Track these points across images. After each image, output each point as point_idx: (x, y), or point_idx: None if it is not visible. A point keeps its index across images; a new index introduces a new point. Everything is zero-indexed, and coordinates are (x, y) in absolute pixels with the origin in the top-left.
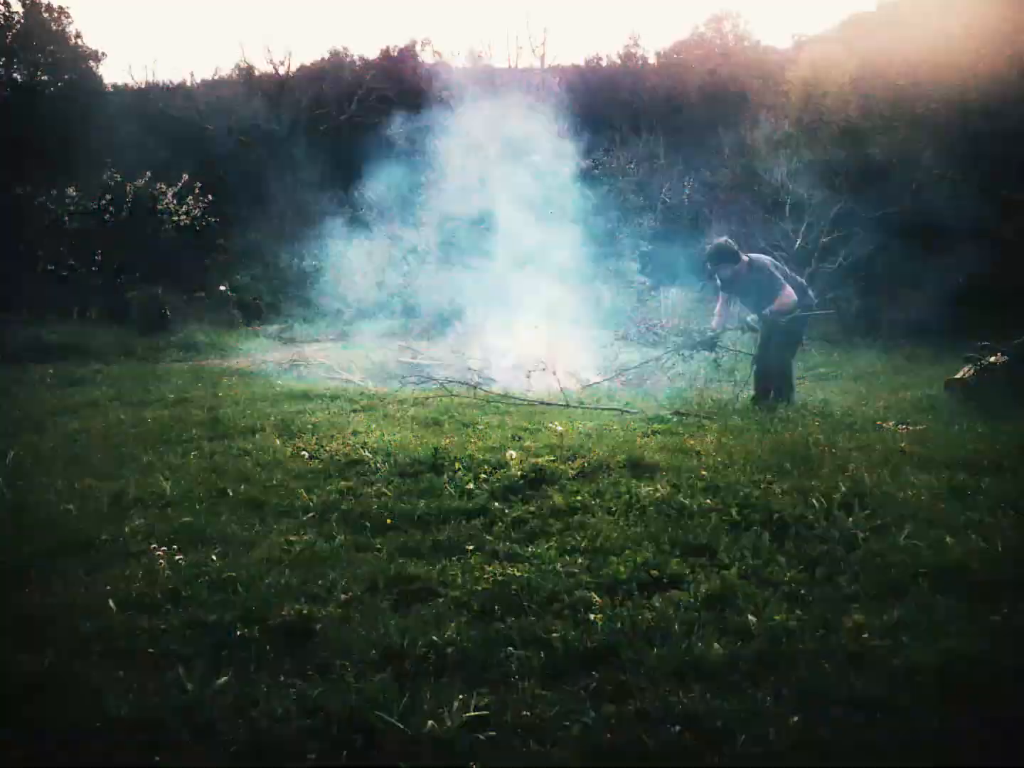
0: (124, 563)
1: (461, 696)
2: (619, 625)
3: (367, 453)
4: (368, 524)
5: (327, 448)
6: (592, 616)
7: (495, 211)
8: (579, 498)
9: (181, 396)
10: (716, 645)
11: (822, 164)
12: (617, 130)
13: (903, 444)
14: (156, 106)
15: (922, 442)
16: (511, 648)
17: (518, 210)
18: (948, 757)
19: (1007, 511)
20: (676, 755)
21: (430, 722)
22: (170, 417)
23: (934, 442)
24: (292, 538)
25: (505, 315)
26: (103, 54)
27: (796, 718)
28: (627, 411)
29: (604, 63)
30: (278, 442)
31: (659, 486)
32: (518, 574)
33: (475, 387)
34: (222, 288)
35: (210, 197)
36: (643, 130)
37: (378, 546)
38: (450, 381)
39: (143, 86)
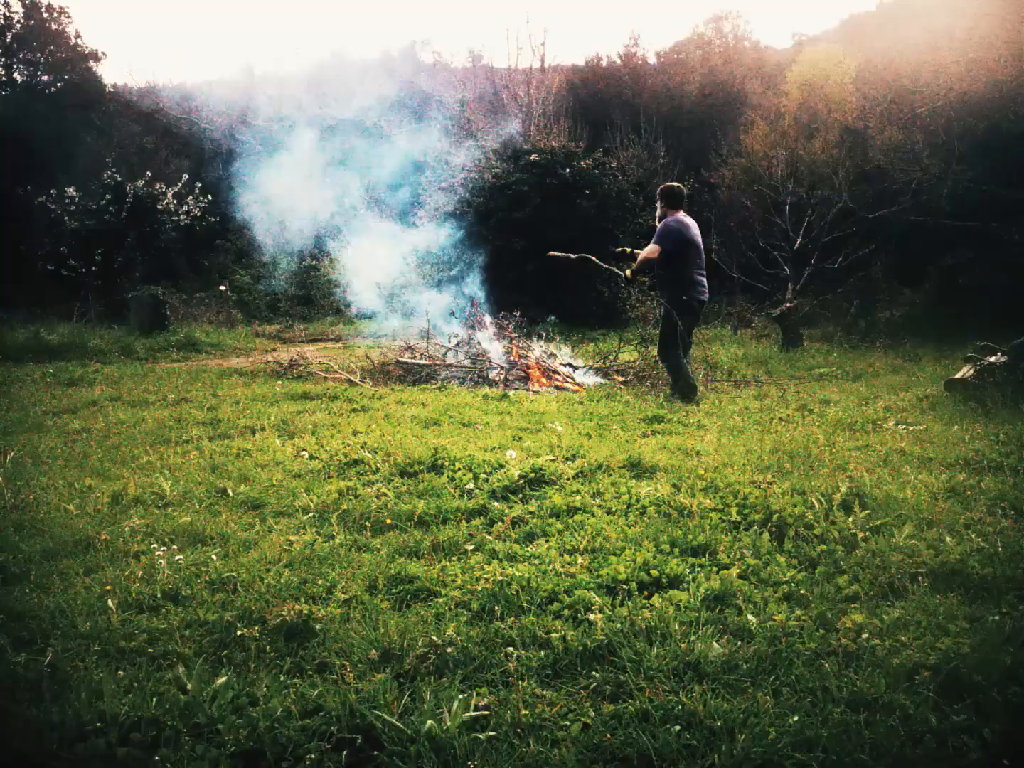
0: (124, 563)
1: (461, 696)
2: (619, 625)
3: (367, 453)
4: (368, 524)
5: (327, 448)
6: (592, 616)
7: None
8: (579, 498)
9: (181, 396)
10: (716, 645)
11: (822, 164)
12: (617, 130)
13: (903, 444)
14: (156, 106)
15: (922, 442)
16: (511, 648)
17: None
18: (948, 757)
19: (1006, 511)
20: (676, 755)
21: (430, 722)
22: (170, 417)
23: (934, 442)
24: (292, 538)
25: None
26: (103, 54)
27: (796, 718)
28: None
29: (604, 63)
30: (278, 442)
31: (659, 486)
32: (518, 574)
33: None
34: (222, 288)
35: (210, 197)
36: (643, 130)
37: (378, 546)
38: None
39: (143, 86)
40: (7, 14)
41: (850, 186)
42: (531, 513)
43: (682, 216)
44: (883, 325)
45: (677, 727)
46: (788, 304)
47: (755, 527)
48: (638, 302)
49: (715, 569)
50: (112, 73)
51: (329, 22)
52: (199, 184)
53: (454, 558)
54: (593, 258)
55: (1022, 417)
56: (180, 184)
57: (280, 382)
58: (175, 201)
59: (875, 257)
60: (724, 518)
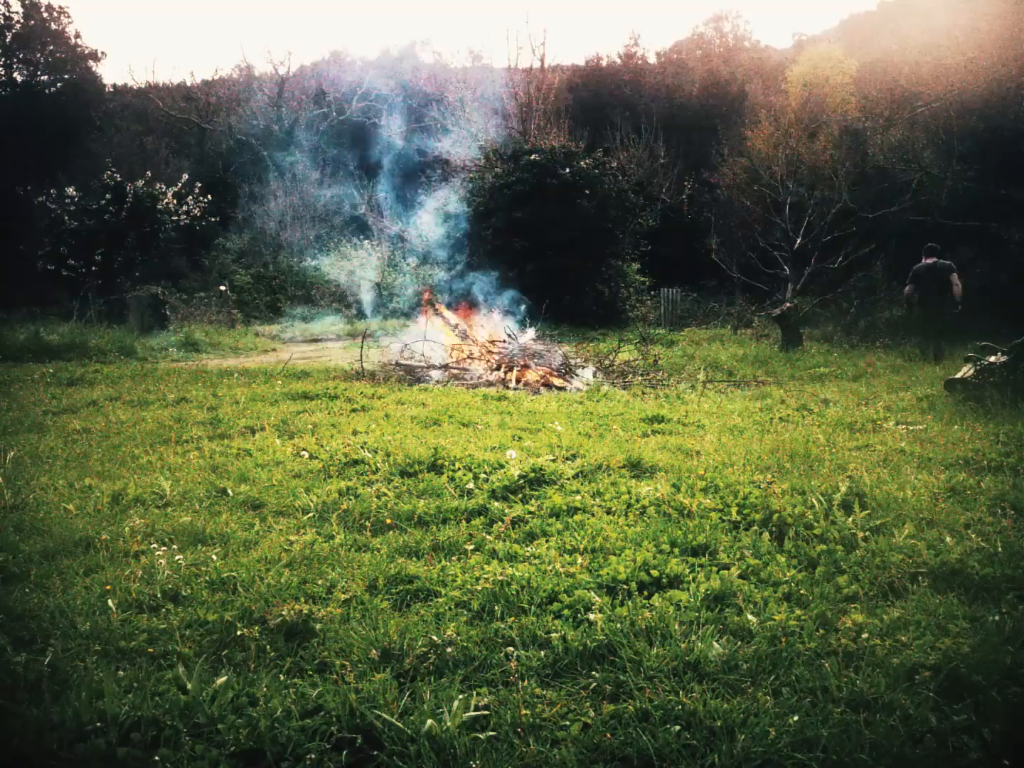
0: (124, 563)
1: (461, 696)
2: (619, 625)
3: (367, 453)
4: (368, 524)
5: (327, 448)
6: (592, 616)
7: None
8: (579, 498)
9: (181, 396)
10: (716, 645)
11: (822, 164)
12: (617, 130)
13: (903, 444)
14: (156, 106)
15: (922, 442)
16: (511, 648)
17: None
18: (948, 757)
19: (1006, 511)
20: (676, 755)
21: (430, 722)
22: (170, 417)
23: (934, 442)
24: (292, 538)
25: None
26: (103, 54)
27: (796, 718)
28: None
29: (604, 63)
30: (278, 442)
31: (659, 486)
32: (518, 574)
33: None
34: (222, 288)
35: (210, 197)
36: (643, 130)
37: (378, 546)
38: None
39: (143, 86)
40: (7, 14)
41: (850, 186)
42: (531, 513)
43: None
44: (883, 325)
45: (677, 727)
46: (788, 304)
47: (755, 527)
48: (638, 302)
49: (715, 569)
50: (112, 73)
51: (329, 22)
52: (199, 184)
53: (454, 558)
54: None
55: (1022, 417)
56: (180, 184)
57: (280, 382)
58: (175, 201)
59: (875, 257)
60: (724, 518)
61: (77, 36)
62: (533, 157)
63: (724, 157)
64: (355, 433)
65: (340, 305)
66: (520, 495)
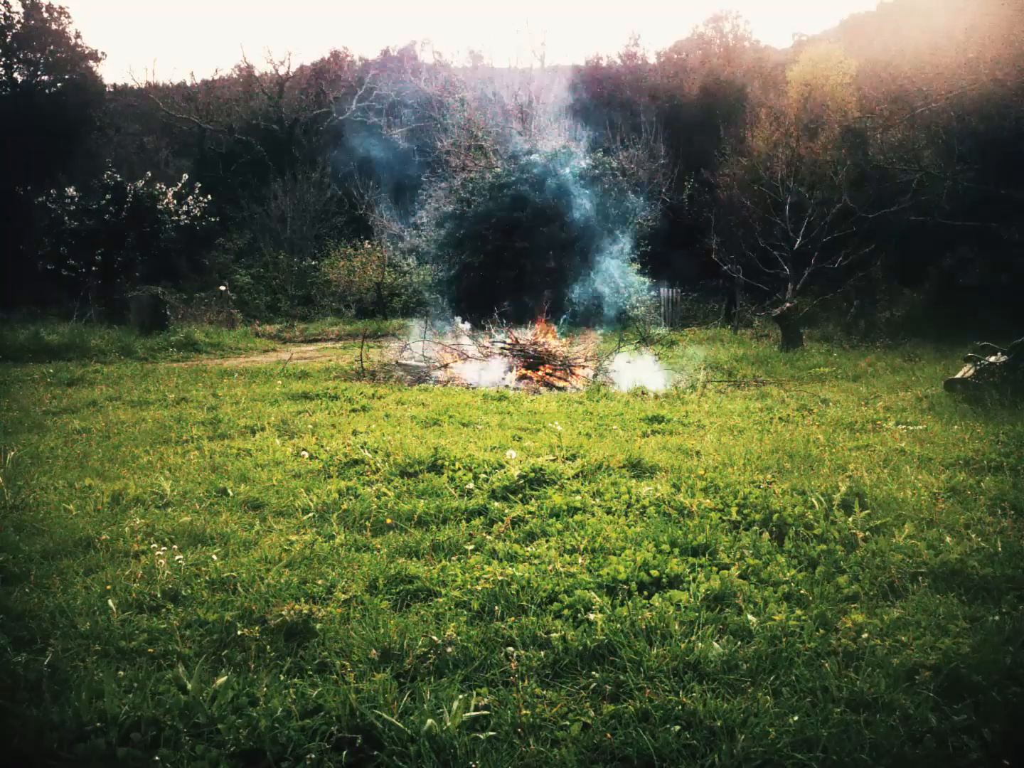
0: (124, 563)
1: (461, 696)
2: (619, 625)
3: (367, 453)
4: (368, 524)
5: (327, 448)
6: (592, 616)
7: None
8: (579, 498)
9: (181, 396)
10: (716, 645)
11: (823, 164)
12: (617, 130)
13: (903, 444)
14: (156, 106)
15: (922, 442)
16: (511, 648)
17: None
18: (948, 757)
19: (1006, 511)
20: (676, 755)
21: (430, 721)
22: (170, 417)
23: (934, 442)
24: (292, 538)
25: None
26: (103, 54)
27: (796, 718)
28: None
29: (604, 63)
30: (278, 442)
31: (659, 486)
32: (518, 574)
33: None
34: (222, 288)
35: (210, 197)
36: (643, 130)
37: (378, 546)
38: None
39: (143, 86)
40: (7, 14)
41: (850, 186)
42: (531, 513)
43: None
44: (883, 325)
45: (677, 727)
46: (788, 304)
47: (755, 527)
48: (638, 302)
49: (715, 569)
50: (112, 73)
51: (329, 22)
52: (199, 184)
53: (454, 558)
54: None
55: (1022, 417)
56: (180, 184)
57: (280, 382)
58: (175, 201)
59: (875, 257)
60: (724, 518)
61: (77, 36)
62: (533, 157)
63: (724, 157)
64: (355, 433)
65: (340, 305)
66: (520, 495)
